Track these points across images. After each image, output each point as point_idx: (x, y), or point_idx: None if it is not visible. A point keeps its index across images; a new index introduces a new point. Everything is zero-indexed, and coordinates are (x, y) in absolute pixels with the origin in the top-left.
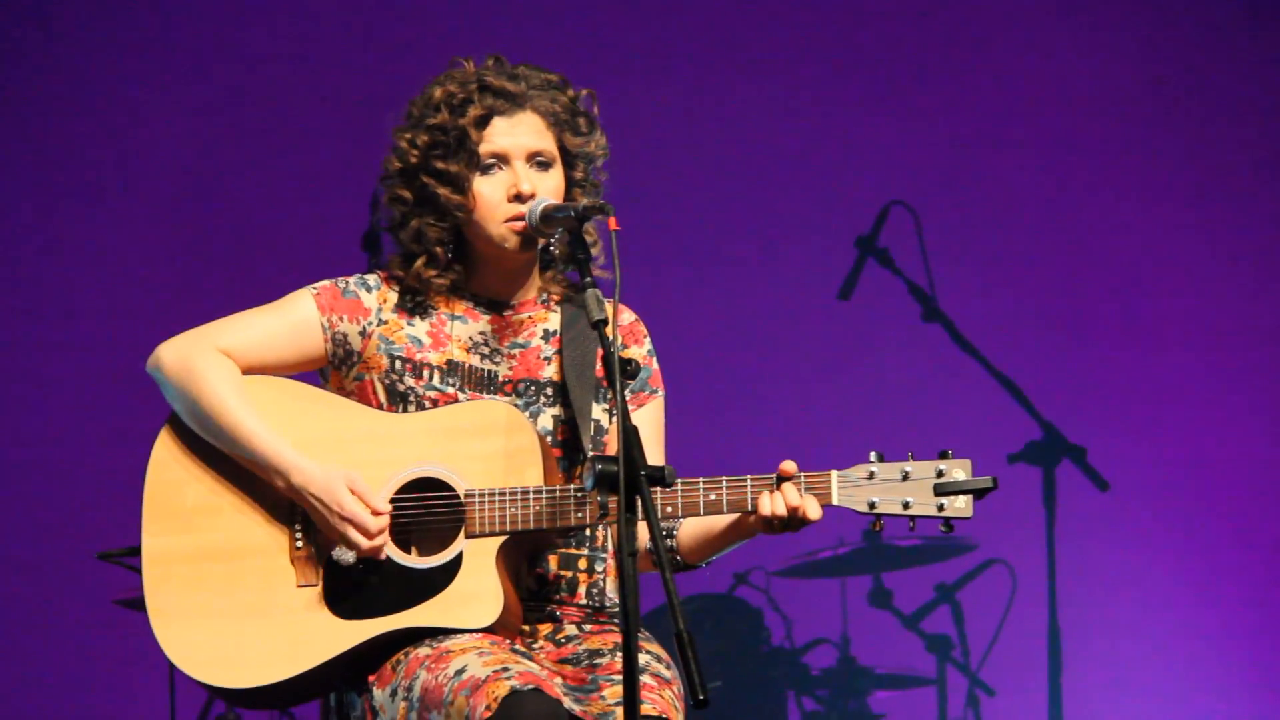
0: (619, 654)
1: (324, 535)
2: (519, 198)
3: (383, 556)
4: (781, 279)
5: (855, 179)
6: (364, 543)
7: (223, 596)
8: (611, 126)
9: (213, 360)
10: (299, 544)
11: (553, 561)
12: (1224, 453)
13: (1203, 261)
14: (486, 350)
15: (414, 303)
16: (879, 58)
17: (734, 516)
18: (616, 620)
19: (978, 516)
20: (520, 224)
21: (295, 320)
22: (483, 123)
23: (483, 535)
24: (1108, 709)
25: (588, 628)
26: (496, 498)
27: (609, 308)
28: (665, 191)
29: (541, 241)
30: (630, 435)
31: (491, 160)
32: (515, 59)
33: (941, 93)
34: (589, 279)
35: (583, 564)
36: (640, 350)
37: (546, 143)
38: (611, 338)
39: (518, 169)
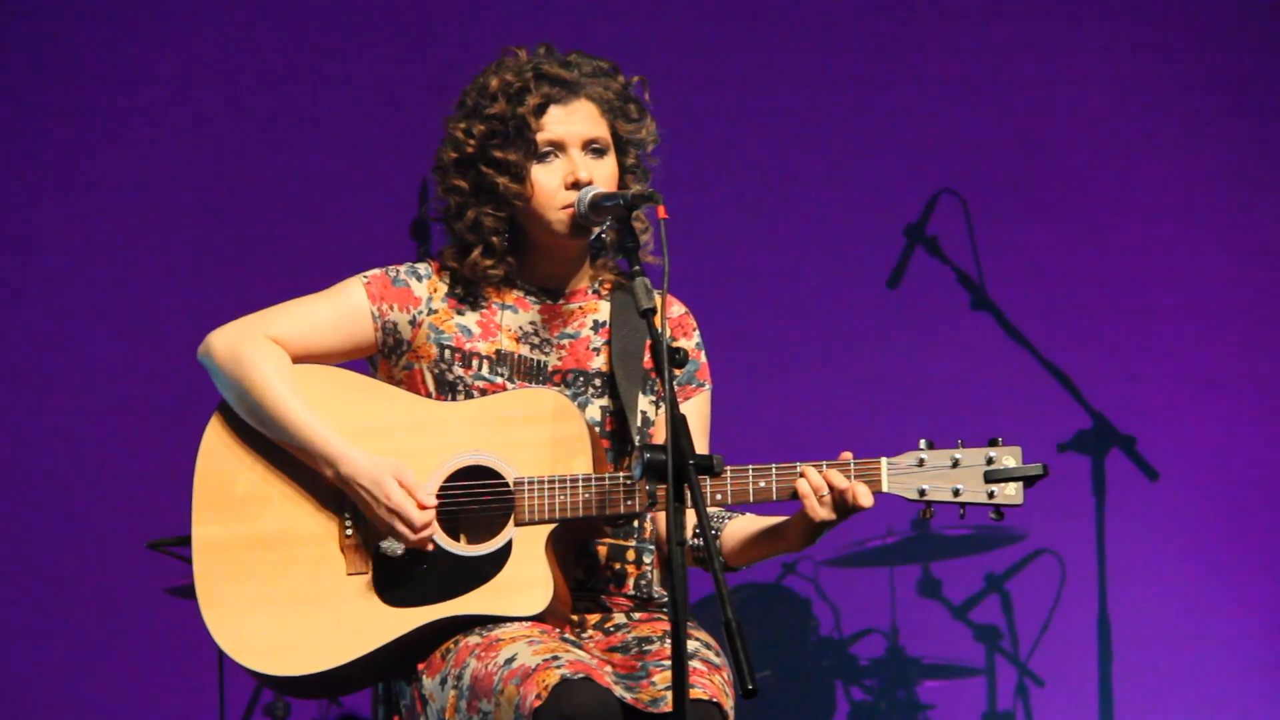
0: (669, 640)
1: (373, 525)
2: (576, 185)
3: (430, 548)
4: (829, 267)
5: (904, 167)
6: (410, 535)
7: (273, 584)
8: (660, 113)
9: (263, 348)
10: (349, 532)
11: (601, 552)
12: (1275, 443)
13: (1254, 249)
14: (536, 340)
15: (465, 292)
16: (928, 44)
17: (779, 521)
18: (665, 610)
19: (1027, 506)
20: (573, 209)
21: (345, 308)
22: (540, 111)
23: (532, 523)
24: (1158, 700)
25: (636, 616)
26: (546, 485)
27: (658, 297)
28: (714, 179)
29: (594, 230)
30: (679, 424)
31: (548, 148)
32: (564, 48)
33: (991, 80)
34: (638, 267)
35: (630, 555)
36: (689, 343)
37: (601, 130)
38: (660, 326)
39: (574, 156)
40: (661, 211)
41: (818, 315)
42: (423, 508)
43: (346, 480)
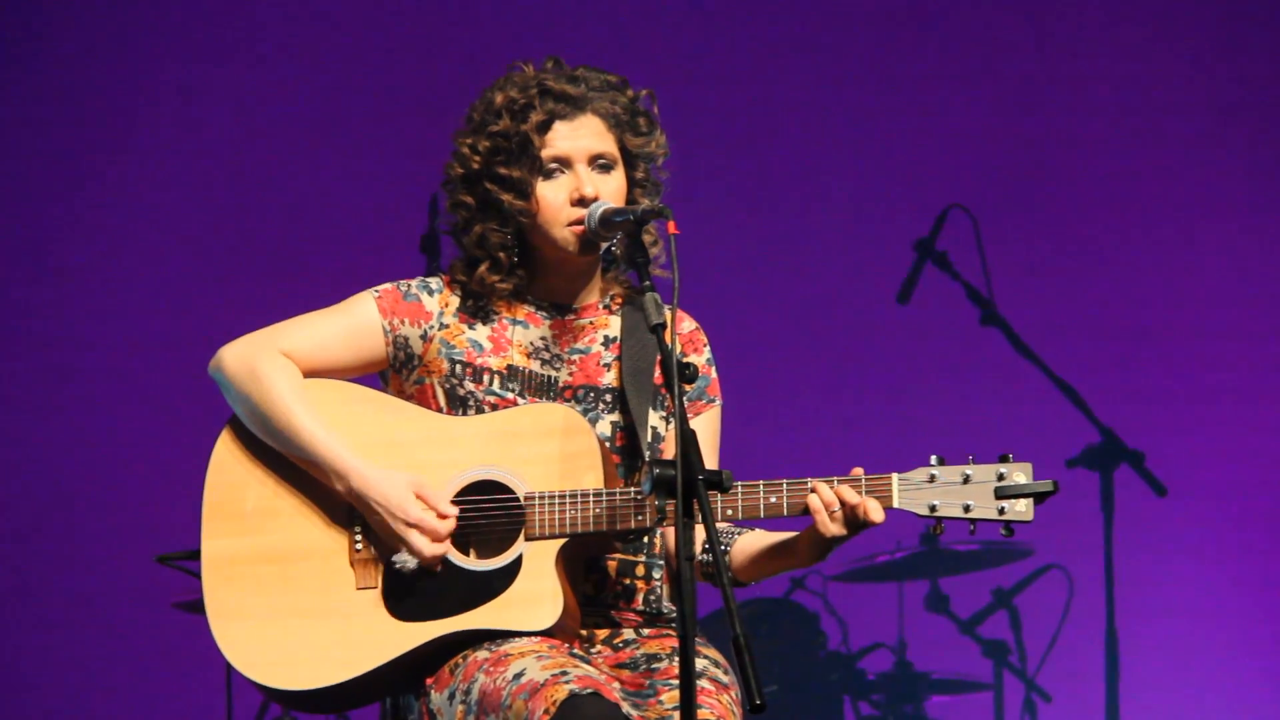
0: (676, 658)
1: (384, 540)
2: (582, 201)
3: (438, 569)
4: (840, 282)
5: (914, 182)
6: (427, 549)
7: (282, 598)
8: (670, 128)
9: (275, 362)
10: (359, 546)
11: (610, 567)
12: None
13: (1265, 263)
14: (547, 356)
15: (476, 307)
16: (938, 59)
17: (789, 536)
18: (674, 626)
19: (1035, 521)
20: (582, 227)
21: (357, 323)
22: (544, 128)
23: (542, 538)
24: (1166, 715)
25: (645, 632)
26: (556, 500)
27: (668, 311)
28: (724, 194)
29: (603, 244)
30: (688, 439)
31: (554, 164)
32: (574, 60)
33: (1000, 95)
34: (648, 282)
35: (640, 570)
36: (699, 359)
37: (608, 145)
38: (670, 341)
39: (580, 172)
40: (672, 227)
41: (828, 330)
42: (444, 517)
43: (359, 494)
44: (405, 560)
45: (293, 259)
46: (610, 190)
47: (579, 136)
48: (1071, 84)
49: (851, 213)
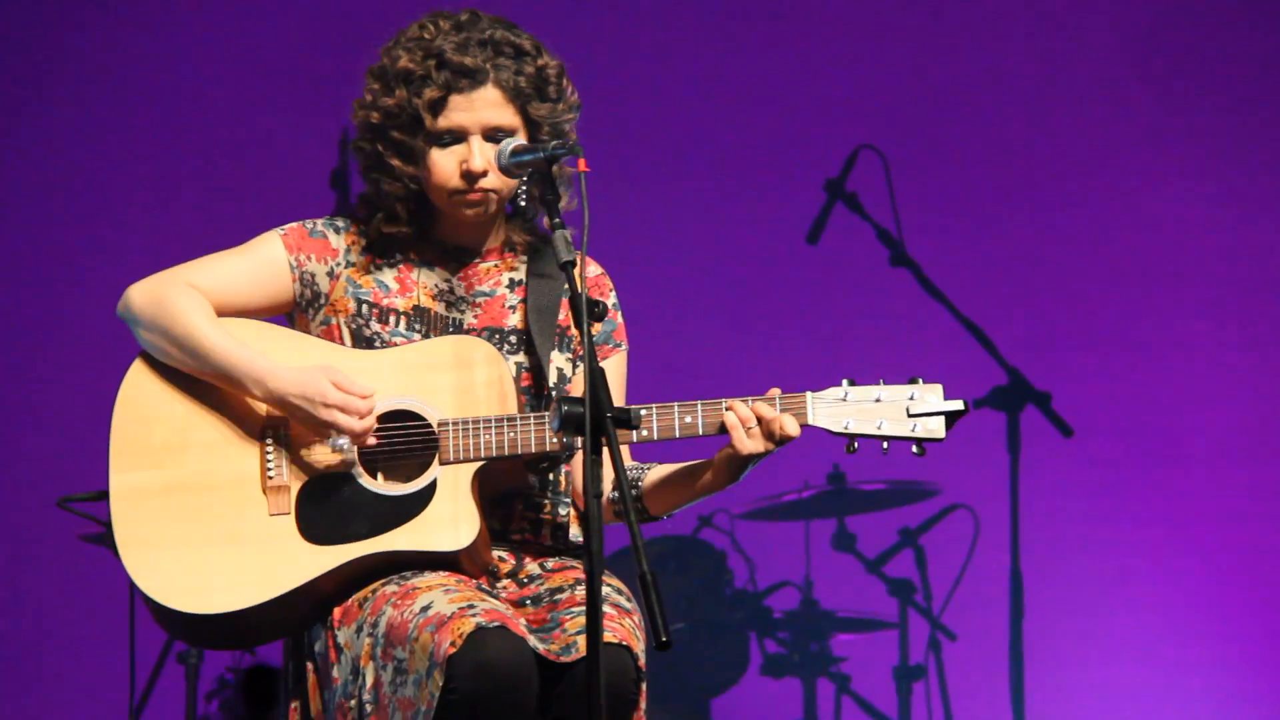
0: (579, 587)
1: (304, 447)
2: (469, 175)
3: (374, 441)
4: (750, 222)
5: (824, 122)
6: (356, 425)
7: (194, 526)
8: (577, 67)
9: (184, 291)
10: (271, 473)
11: (516, 505)
12: (1188, 398)
13: (1173, 208)
14: (452, 298)
15: (382, 248)
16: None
17: (702, 460)
18: (577, 557)
19: (942, 461)
20: (475, 195)
21: (263, 261)
22: (438, 105)
23: (457, 462)
24: (1068, 654)
25: (550, 565)
26: (470, 426)
27: (578, 251)
28: (633, 133)
29: (506, 193)
30: (597, 376)
31: (447, 135)
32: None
33: (912, 35)
34: (558, 220)
35: (546, 507)
36: (605, 304)
37: (506, 117)
38: (579, 278)
39: (473, 145)
40: (582, 165)
41: (737, 270)
42: (364, 397)
43: (277, 394)
44: (337, 441)
45: (201, 197)
46: None
47: (475, 109)
48: (983, 23)
49: (762, 152)
